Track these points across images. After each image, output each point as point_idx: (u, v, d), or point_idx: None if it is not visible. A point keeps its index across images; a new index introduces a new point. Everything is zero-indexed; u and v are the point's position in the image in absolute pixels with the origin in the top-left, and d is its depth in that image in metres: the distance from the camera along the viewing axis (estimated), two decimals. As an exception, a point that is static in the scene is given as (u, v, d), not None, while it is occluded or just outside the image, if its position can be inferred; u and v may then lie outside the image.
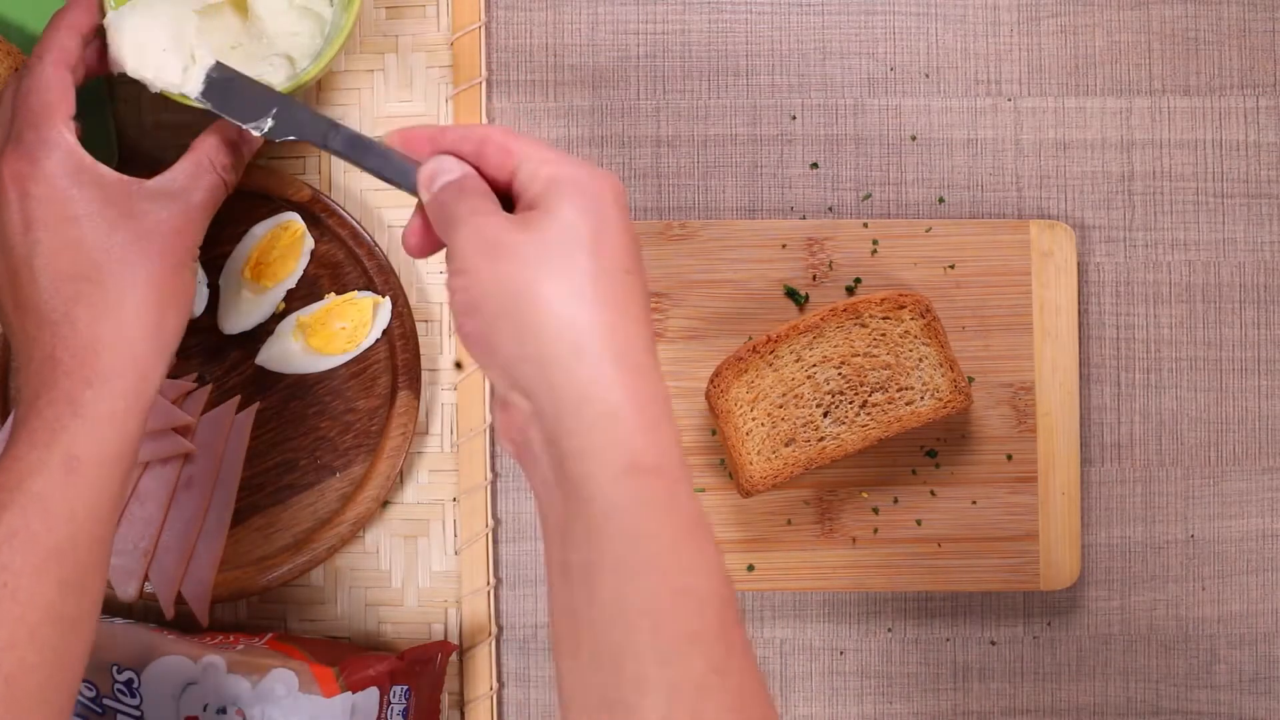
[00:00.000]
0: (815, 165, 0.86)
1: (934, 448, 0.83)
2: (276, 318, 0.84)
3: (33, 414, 0.68)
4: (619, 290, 0.62)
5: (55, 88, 0.72)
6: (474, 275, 0.62)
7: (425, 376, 0.85)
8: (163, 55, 0.74)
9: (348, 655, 0.79)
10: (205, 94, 0.73)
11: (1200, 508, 0.85)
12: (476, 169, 0.66)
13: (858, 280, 0.84)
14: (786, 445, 0.80)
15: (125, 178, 0.73)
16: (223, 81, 0.73)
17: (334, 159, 0.86)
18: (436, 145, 0.67)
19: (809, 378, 0.80)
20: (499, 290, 0.62)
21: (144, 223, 0.72)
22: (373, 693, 0.77)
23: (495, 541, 0.86)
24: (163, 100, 0.86)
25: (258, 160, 0.86)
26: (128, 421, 0.69)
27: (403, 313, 0.83)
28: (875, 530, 0.83)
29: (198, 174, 0.74)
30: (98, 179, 0.72)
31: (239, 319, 0.84)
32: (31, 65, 0.72)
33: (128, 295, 0.70)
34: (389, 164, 0.69)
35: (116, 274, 0.70)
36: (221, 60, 0.74)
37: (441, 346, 0.86)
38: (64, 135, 0.71)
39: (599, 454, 0.60)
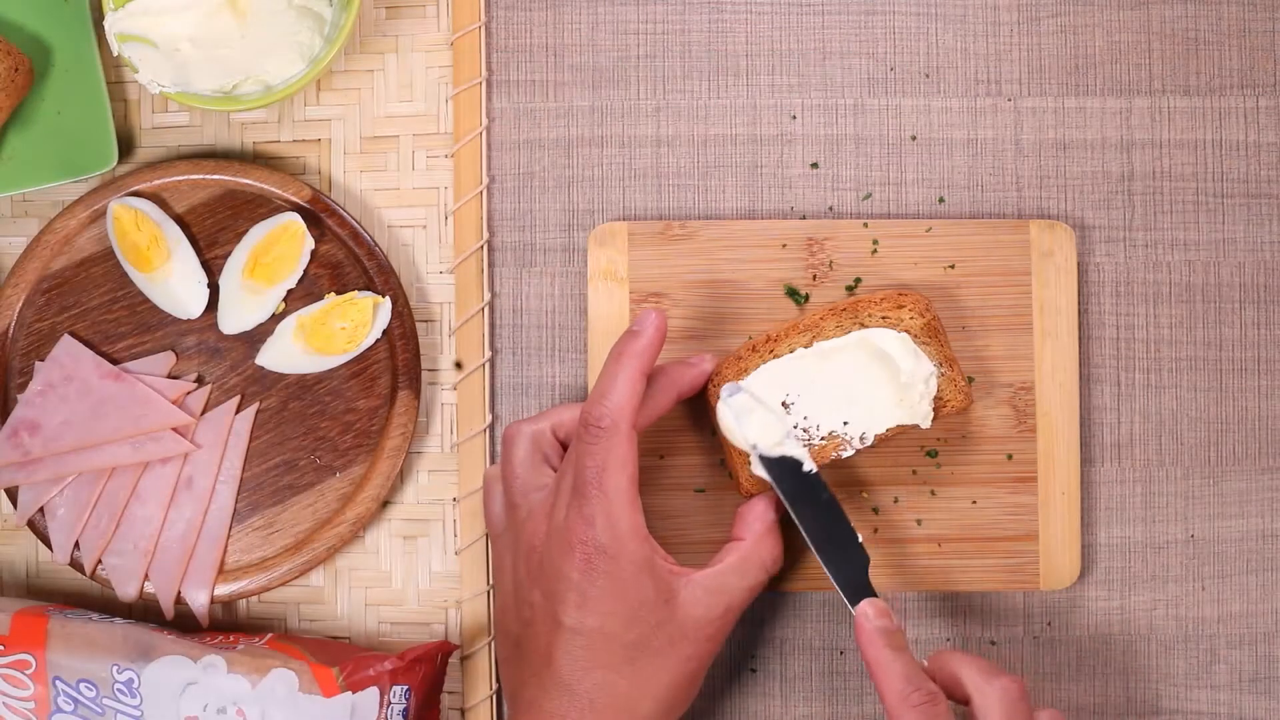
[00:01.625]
0: (815, 165, 0.86)
1: (934, 448, 0.83)
2: (276, 318, 0.84)
3: None
4: None
5: (631, 460, 0.72)
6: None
7: (425, 376, 0.85)
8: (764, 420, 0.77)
9: (348, 655, 0.79)
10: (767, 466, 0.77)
11: (1200, 508, 0.85)
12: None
13: (858, 280, 0.84)
14: (786, 445, 0.80)
15: (674, 567, 0.73)
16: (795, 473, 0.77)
17: (334, 159, 0.86)
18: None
19: (809, 377, 0.80)
20: None
21: (687, 621, 0.73)
22: (373, 693, 0.77)
23: (495, 541, 0.86)
24: (162, 100, 0.87)
25: (259, 159, 0.86)
26: None
27: (403, 313, 0.83)
28: (875, 530, 0.83)
29: (744, 571, 0.75)
30: (653, 569, 0.72)
31: (239, 319, 0.84)
32: (604, 426, 0.72)
33: (647, 694, 0.72)
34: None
35: (644, 673, 0.72)
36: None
37: (441, 346, 0.86)
38: (639, 516, 0.72)
39: None
